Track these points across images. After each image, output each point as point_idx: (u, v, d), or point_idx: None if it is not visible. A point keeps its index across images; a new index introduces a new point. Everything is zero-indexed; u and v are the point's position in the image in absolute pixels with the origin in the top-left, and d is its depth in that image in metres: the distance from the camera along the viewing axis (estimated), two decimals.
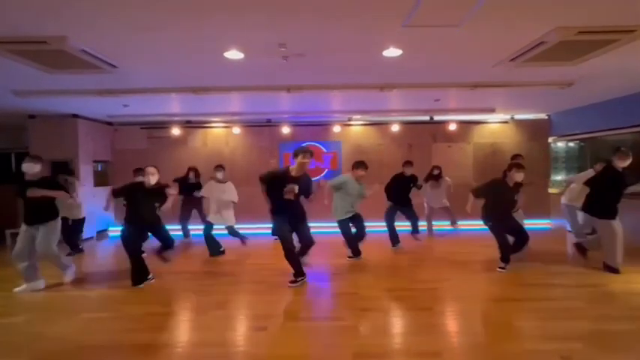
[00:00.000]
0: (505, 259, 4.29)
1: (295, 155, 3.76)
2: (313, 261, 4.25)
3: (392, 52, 3.41)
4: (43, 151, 6.41)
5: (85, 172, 6.70)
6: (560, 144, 7.49)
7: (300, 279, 3.84)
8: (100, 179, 7.17)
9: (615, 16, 2.69)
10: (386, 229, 5.56)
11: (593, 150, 6.71)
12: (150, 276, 4.02)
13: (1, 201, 7.47)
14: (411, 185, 5.64)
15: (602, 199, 4.17)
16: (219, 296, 3.66)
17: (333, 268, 4.62)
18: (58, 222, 3.98)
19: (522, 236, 4.31)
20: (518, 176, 4.17)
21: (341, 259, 4.97)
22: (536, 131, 7.63)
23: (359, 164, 4.82)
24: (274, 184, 3.74)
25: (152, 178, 3.99)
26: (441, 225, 6.80)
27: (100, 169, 7.32)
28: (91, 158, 6.93)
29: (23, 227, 3.85)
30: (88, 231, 6.68)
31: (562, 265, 4.59)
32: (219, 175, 5.23)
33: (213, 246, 5.22)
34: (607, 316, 3.00)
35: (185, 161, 7.25)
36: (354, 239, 4.89)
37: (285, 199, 3.68)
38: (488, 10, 2.55)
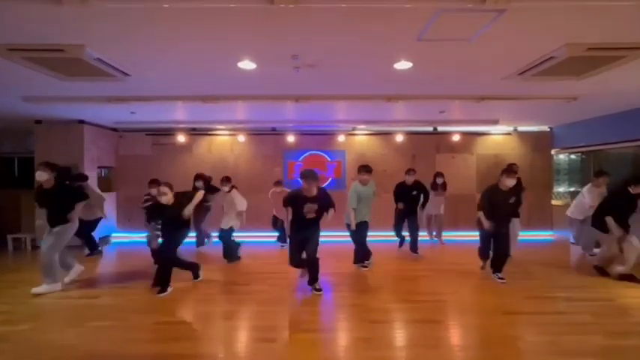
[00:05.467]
0: (482, 258, 4.68)
1: (300, 177, 3.86)
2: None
3: (403, 64, 3.46)
4: (48, 156, 6.41)
5: (90, 177, 6.67)
6: (563, 156, 7.55)
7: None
8: (103, 185, 7.15)
9: (623, 34, 2.75)
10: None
11: (596, 162, 6.76)
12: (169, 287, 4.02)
13: (3, 206, 7.45)
14: (414, 193, 5.65)
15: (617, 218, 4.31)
16: (225, 306, 3.63)
17: (339, 278, 4.60)
18: (70, 227, 4.05)
19: (500, 251, 4.44)
20: (509, 181, 4.22)
21: (346, 269, 4.95)
22: (538, 143, 7.69)
23: (362, 168, 4.86)
24: (295, 204, 3.89)
25: (164, 199, 3.94)
26: (446, 235, 6.81)
27: (103, 174, 7.32)
28: (96, 164, 6.94)
29: (48, 228, 4.05)
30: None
31: (568, 277, 4.58)
32: (225, 188, 5.43)
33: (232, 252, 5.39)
34: (618, 331, 2.99)
35: (189, 168, 7.27)
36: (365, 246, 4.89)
37: (307, 218, 3.87)
38: (501, 25, 2.60)
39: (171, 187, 4.01)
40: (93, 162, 6.84)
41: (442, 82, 4.16)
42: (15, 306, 3.63)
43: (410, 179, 5.65)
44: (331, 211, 3.99)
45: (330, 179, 7.66)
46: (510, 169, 4.30)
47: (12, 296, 3.92)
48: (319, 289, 3.95)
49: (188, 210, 3.98)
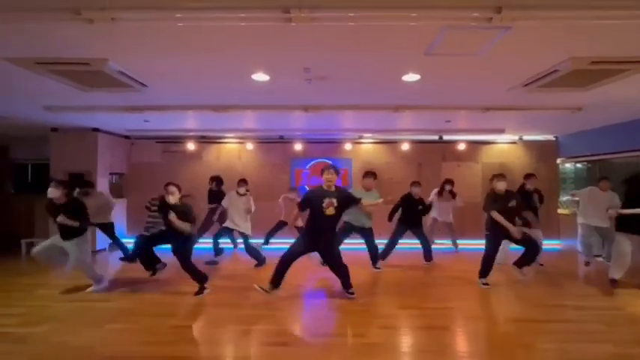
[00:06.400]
0: (483, 273, 4.53)
1: (321, 173, 3.92)
2: (327, 276, 4.30)
3: (411, 77, 3.57)
4: (62, 163, 6.65)
5: (102, 184, 6.84)
6: (568, 165, 7.58)
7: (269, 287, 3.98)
8: (114, 191, 7.30)
9: (626, 48, 2.84)
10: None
11: (601, 171, 6.78)
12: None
13: (17, 211, 7.62)
14: (420, 208, 5.66)
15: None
16: (237, 310, 3.70)
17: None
18: (86, 235, 4.23)
19: (530, 247, 4.42)
20: (500, 184, 4.39)
21: (355, 275, 4.99)
22: (544, 152, 7.74)
23: (367, 174, 4.98)
24: (312, 200, 3.84)
25: (171, 198, 4.11)
26: (446, 244, 6.86)
27: (114, 181, 7.48)
28: (108, 171, 7.10)
29: (57, 237, 4.17)
30: (100, 242, 6.80)
31: (576, 286, 4.60)
32: (242, 190, 5.58)
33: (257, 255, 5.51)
34: (630, 340, 3.02)
35: (198, 175, 7.41)
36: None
37: (325, 216, 3.80)
38: (506, 40, 2.70)
39: (179, 189, 4.19)
40: (106, 169, 7.01)
41: (449, 94, 4.27)
42: (32, 308, 3.73)
43: (417, 192, 5.65)
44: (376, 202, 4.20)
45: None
46: (499, 174, 4.53)
47: (29, 299, 4.03)
48: (352, 293, 4.03)
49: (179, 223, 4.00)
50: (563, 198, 7.58)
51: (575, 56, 2.99)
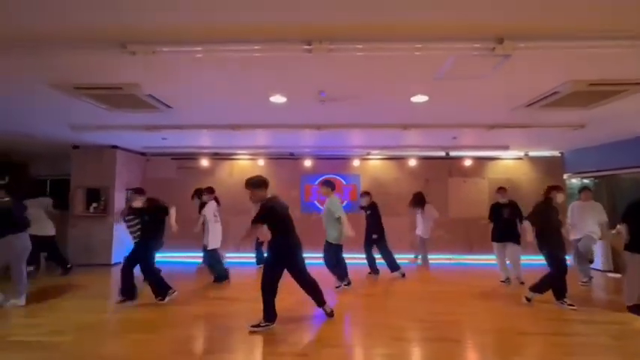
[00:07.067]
0: (559, 295, 4.31)
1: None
2: (332, 288, 4.39)
3: (419, 98, 3.79)
4: (82, 179, 6.94)
5: (119, 198, 7.10)
6: (575, 180, 7.67)
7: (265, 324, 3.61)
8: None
9: (622, 72, 3.04)
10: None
11: (609, 186, 6.87)
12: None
13: None
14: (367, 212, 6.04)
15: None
16: (253, 322, 3.81)
17: (358, 298, 4.75)
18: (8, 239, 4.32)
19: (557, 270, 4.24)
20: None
21: (364, 289, 5.09)
22: (550, 168, 7.85)
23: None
24: (279, 211, 3.65)
25: (137, 203, 4.66)
26: (461, 259, 6.91)
27: (128, 196, 7.71)
28: (125, 186, 7.35)
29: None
30: (116, 256, 6.98)
31: (584, 300, 4.63)
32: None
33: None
34: (637, 353, 3.07)
35: None
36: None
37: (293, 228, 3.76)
38: (508, 64, 2.90)
39: (139, 192, 4.75)
40: (122, 184, 7.27)
41: (455, 113, 4.47)
42: (57, 319, 3.88)
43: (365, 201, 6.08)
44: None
45: (345, 202, 7.90)
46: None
47: (53, 310, 4.19)
48: (330, 314, 3.89)
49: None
50: None
51: (574, 79, 3.18)
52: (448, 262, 6.96)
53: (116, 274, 6.22)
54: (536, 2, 2.07)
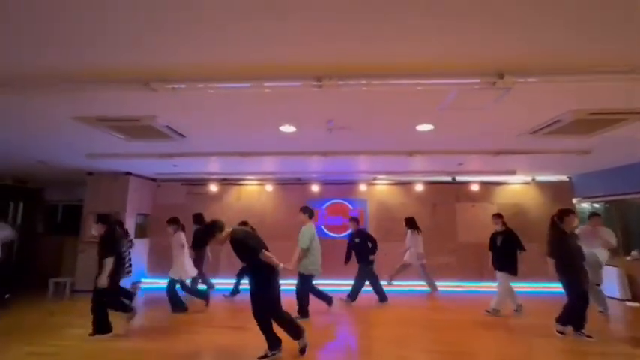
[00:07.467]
0: (578, 325, 4.20)
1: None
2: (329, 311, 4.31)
3: (424, 127, 3.91)
4: (95, 204, 7.09)
5: (130, 223, 7.20)
6: (585, 205, 7.60)
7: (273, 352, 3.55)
8: (139, 231, 7.64)
9: (620, 102, 3.12)
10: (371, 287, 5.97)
11: (619, 211, 6.79)
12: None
13: (46, 250, 7.98)
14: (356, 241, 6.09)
15: None
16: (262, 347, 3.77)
17: (364, 325, 4.66)
18: None
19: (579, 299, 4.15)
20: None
21: (369, 317, 5.00)
22: (558, 193, 7.81)
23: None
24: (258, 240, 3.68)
25: (94, 231, 4.49)
26: (471, 286, 6.76)
27: (138, 221, 7.83)
28: (136, 212, 7.49)
29: None
30: (124, 281, 6.97)
31: (598, 330, 4.48)
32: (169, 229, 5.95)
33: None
34: None
35: (219, 216, 7.68)
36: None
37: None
38: (511, 95, 3.01)
39: (97, 219, 4.48)
40: (134, 209, 7.41)
41: (460, 140, 4.57)
42: (64, 347, 3.88)
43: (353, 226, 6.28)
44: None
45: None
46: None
47: (61, 338, 4.19)
48: (302, 350, 3.62)
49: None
50: None
51: (575, 109, 3.28)
52: (458, 289, 6.81)
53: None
54: (536, 39, 2.19)
